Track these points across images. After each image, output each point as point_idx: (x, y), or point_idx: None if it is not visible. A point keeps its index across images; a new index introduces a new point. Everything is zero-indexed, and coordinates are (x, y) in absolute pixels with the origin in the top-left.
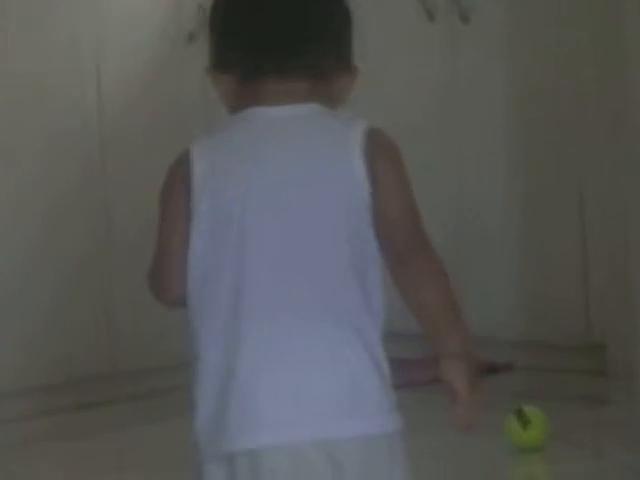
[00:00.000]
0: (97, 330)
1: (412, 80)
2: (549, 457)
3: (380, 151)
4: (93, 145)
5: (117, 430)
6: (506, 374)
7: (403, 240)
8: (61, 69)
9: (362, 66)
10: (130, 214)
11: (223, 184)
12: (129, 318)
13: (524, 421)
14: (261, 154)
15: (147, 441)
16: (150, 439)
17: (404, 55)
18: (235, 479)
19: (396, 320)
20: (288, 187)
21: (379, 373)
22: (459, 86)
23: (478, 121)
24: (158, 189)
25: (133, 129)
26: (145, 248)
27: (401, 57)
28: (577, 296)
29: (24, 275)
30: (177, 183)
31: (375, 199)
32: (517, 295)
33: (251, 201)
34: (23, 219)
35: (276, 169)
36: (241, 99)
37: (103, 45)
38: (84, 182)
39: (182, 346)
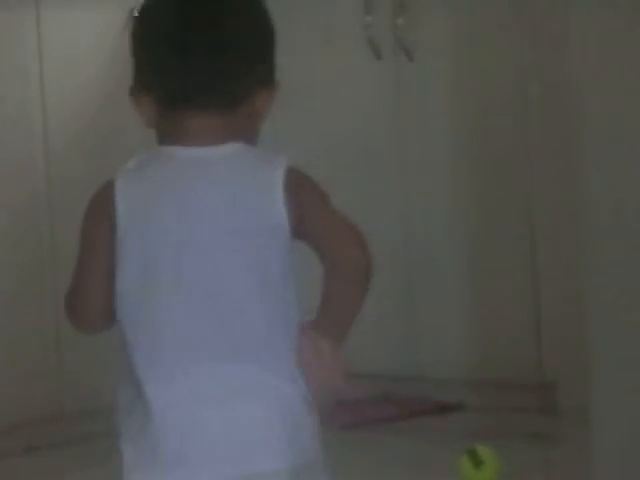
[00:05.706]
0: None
1: (357, 114)
2: None
3: (302, 185)
4: (39, 180)
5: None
6: (456, 413)
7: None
8: (6, 104)
9: (310, 101)
10: (76, 250)
11: (151, 229)
12: (77, 358)
13: (477, 461)
14: (187, 200)
15: None
16: None
17: (350, 91)
18: None
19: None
20: (216, 235)
21: (305, 405)
22: (405, 120)
23: (425, 155)
24: None
25: (78, 165)
26: None
27: (347, 93)
28: (529, 334)
29: None
30: (102, 217)
31: (309, 230)
32: (467, 334)
33: (182, 249)
34: None
35: (203, 216)
36: (161, 129)
37: (48, 82)
38: (29, 217)
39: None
